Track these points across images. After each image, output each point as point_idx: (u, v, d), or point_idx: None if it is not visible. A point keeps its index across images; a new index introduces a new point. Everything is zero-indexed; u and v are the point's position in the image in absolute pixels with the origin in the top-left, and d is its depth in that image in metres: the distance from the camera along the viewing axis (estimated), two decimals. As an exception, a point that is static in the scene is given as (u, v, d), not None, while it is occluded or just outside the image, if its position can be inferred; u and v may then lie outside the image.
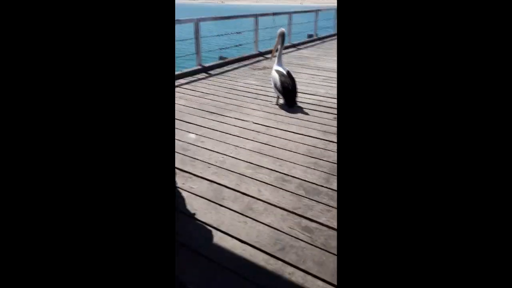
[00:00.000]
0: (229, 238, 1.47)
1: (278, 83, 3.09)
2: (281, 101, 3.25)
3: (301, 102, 3.38)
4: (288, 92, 3.09)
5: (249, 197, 1.77)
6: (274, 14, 6.85)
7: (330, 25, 9.49)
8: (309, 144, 2.43)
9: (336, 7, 9.55)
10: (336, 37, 8.60)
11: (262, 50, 6.05)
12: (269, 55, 5.89)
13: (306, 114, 3.04)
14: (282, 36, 3.14)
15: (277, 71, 3.13)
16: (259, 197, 1.77)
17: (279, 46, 3.20)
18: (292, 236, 1.48)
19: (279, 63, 3.18)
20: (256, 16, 5.79)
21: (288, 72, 3.15)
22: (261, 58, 5.70)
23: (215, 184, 1.90)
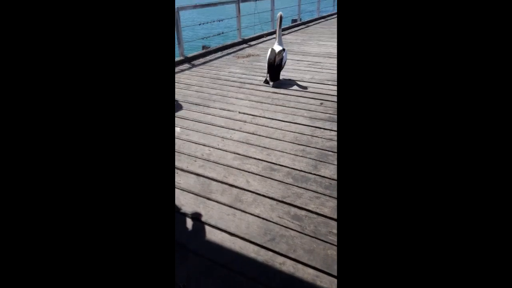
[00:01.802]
0: (218, 231, 1.45)
1: (266, 59, 3.42)
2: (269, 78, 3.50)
3: (287, 88, 3.34)
4: (270, 68, 3.40)
5: (237, 189, 1.75)
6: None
7: (313, 8, 9.37)
8: (296, 131, 2.41)
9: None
10: (319, 21, 8.51)
11: (246, 37, 5.94)
12: (253, 42, 5.78)
13: (292, 101, 3.01)
14: (280, 18, 3.47)
15: (271, 49, 3.41)
16: (247, 188, 1.75)
17: (278, 28, 3.46)
18: (282, 225, 1.47)
19: (279, 42, 3.47)
20: (238, 2, 5.64)
21: (280, 51, 3.39)
22: (245, 45, 5.59)
23: (202, 178, 1.86)
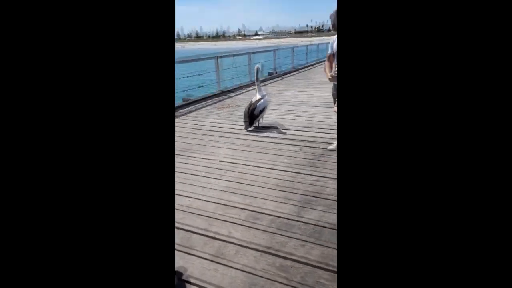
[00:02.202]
0: (200, 289, 1.34)
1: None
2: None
3: (267, 136, 3.42)
4: (244, 116, 3.77)
5: (219, 241, 1.67)
6: (234, 55, 7.16)
7: (288, 62, 10.10)
8: (278, 177, 2.42)
9: (292, 46, 10.25)
10: (294, 73, 9.12)
11: (225, 89, 6.21)
12: (232, 94, 6.04)
13: (272, 148, 3.07)
14: (257, 70, 3.87)
15: (250, 101, 3.78)
16: (229, 240, 1.68)
17: (256, 80, 3.86)
18: (267, 278, 1.39)
19: (259, 92, 3.81)
20: (217, 57, 6.01)
21: (256, 100, 3.71)
22: (224, 97, 5.82)
23: (182, 231, 1.78)
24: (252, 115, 3.66)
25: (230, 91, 6.20)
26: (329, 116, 4.03)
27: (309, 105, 4.86)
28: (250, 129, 3.70)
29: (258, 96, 3.76)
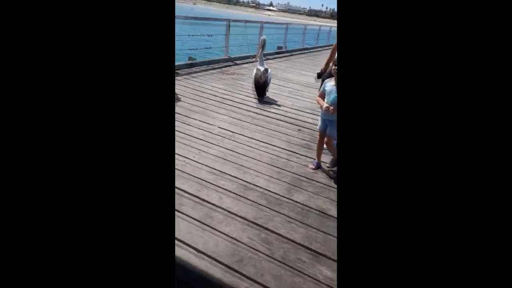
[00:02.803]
0: (185, 246, 1.38)
1: (253, 78, 3.79)
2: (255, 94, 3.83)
3: (267, 111, 3.39)
4: (257, 86, 3.73)
5: (209, 205, 1.70)
6: (247, 21, 6.90)
7: (298, 39, 9.81)
8: (273, 153, 2.43)
9: (304, 25, 9.92)
10: (303, 51, 8.91)
11: (232, 56, 6.04)
12: (239, 61, 5.89)
13: (272, 123, 3.06)
14: (263, 42, 3.82)
15: (257, 69, 3.76)
16: (219, 205, 1.71)
17: (260, 50, 3.81)
18: (250, 247, 1.43)
19: (261, 64, 3.80)
20: (229, 21, 5.77)
21: (265, 70, 3.74)
22: (230, 63, 5.68)
23: (175, 189, 1.79)
24: (264, 87, 3.70)
25: (238, 58, 6.04)
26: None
27: (314, 87, 4.80)
28: (260, 99, 3.78)
29: (261, 68, 3.73)
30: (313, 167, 2.28)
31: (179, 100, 3.22)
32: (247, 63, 5.91)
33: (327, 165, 2.35)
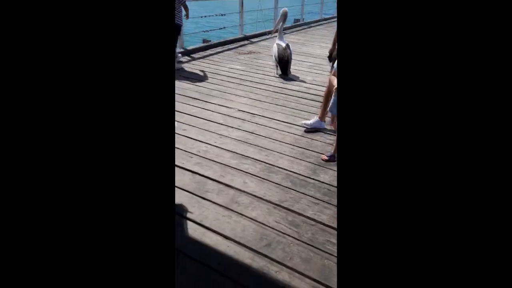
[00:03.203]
0: (213, 234, 1.39)
1: (276, 55, 3.57)
2: (279, 71, 3.70)
3: (287, 89, 3.29)
4: (282, 62, 3.57)
5: (233, 189, 1.70)
6: (261, -5, 6.61)
7: (316, 10, 9.31)
8: (296, 133, 2.36)
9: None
10: (321, 23, 8.47)
11: (248, 34, 5.86)
12: (254, 39, 5.71)
13: (293, 101, 2.96)
14: (285, 15, 3.56)
15: (278, 45, 3.57)
16: (244, 189, 1.70)
17: (281, 24, 3.61)
18: (278, 231, 1.42)
19: (281, 38, 3.62)
20: (241, -4, 5.55)
21: (287, 45, 3.57)
22: (246, 42, 5.52)
23: (198, 176, 1.80)
24: (288, 63, 3.56)
25: (253, 36, 5.86)
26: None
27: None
28: (284, 76, 3.65)
29: (282, 43, 3.57)
30: (326, 158, 2.01)
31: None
32: (263, 40, 5.72)
33: None
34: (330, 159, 1.99)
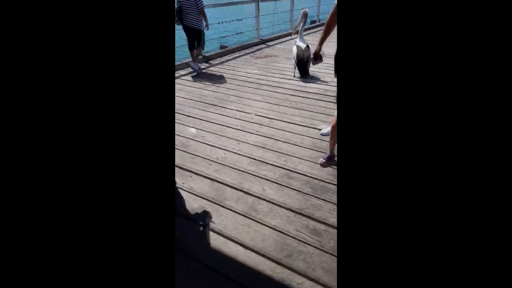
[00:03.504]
0: (232, 243, 1.37)
1: (295, 56, 3.57)
2: (297, 73, 3.69)
3: (306, 91, 3.23)
4: (301, 64, 3.56)
5: (252, 197, 1.67)
6: (276, -1, 6.59)
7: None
8: (315, 137, 2.30)
9: (339, -9, 9.19)
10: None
11: (264, 37, 5.85)
12: (271, 42, 5.70)
13: (311, 104, 2.90)
14: (305, 15, 3.51)
15: (297, 46, 3.56)
16: (263, 197, 1.66)
17: (301, 25, 3.55)
18: (299, 240, 1.38)
19: (301, 39, 3.59)
20: (257, 1, 5.56)
21: (307, 46, 3.52)
22: (263, 46, 5.51)
23: (217, 183, 1.79)
24: (308, 63, 3.54)
25: (270, 39, 5.84)
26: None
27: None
28: (303, 78, 3.61)
29: (302, 44, 3.52)
30: (324, 161, 1.93)
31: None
32: (279, 43, 5.69)
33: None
34: (327, 159, 1.94)
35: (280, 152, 2.10)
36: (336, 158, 1.95)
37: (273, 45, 5.57)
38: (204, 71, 4.07)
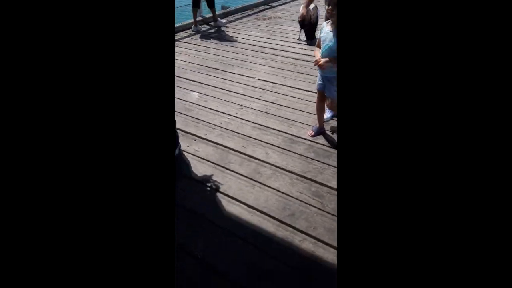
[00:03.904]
0: (237, 203, 1.42)
1: (300, 18, 3.30)
2: (303, 36, 3.50)
3: (310, 55, 3.14)
4: (307, 26, 3.35)
5: (256, 160, 1.70)
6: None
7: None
8: (319, 102, 2.28)
9: None
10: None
11: (267, -3, 5.55)
12: (274, 3, 5.42)
13: (316, 68, 2.83)
14: None
15: (306, 8, 3.35)
16: (266, 160, 1.69)
17: None
18: (301, 201, 1.42)
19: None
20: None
21: (315, 7, 3.31)
22: (266, 7, 5.25)
23: (221, 147, 1.81)
24: (313, 26, 3.32)
25: (272, 0, 5.55)
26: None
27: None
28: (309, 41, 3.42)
29: (311, 4, 3.29)
30: (312, 133, 1.86)
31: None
32: (283, 3, 5.42)
33: (328, 130, 1.92)
34: (316, 132, 1.86)
35: (284, 118, 2.10)
36: (326, 131, 1.89)
37: (276, 6, 5.31)
38: (205, 34, 3.93)
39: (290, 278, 1.11)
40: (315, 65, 1.67)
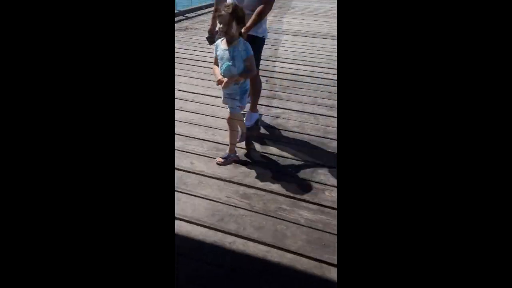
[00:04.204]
0: (163, 217, 1.34)
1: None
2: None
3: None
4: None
5: (180, 171, 1.64)
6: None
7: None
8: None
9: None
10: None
11: (182, 8, 5.53)
12: (190, 14, 5.42)
13: (236, 77, 2.92)
14: None
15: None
16: (191, 170, 1.66)
17: None
18: (230, 205, 1.43)
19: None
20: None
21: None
22: (181, 17, 5.21)
23: (141, 161, 1.70)
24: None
25: (188, 11, 5.55)
26: (324, 47, 3.86)
27: (295, 34, 4.51)
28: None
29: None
30: (222, 161, 1.70)
31: None
32: (200, 14, 5.46)
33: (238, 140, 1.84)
34: (227, 160, 1.71)
35: (208, 126, 2.09)
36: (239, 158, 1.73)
37: (192, 17, 5.32)
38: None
39: (223, 279, 1.10)
40: (217, 85, 1.63)
